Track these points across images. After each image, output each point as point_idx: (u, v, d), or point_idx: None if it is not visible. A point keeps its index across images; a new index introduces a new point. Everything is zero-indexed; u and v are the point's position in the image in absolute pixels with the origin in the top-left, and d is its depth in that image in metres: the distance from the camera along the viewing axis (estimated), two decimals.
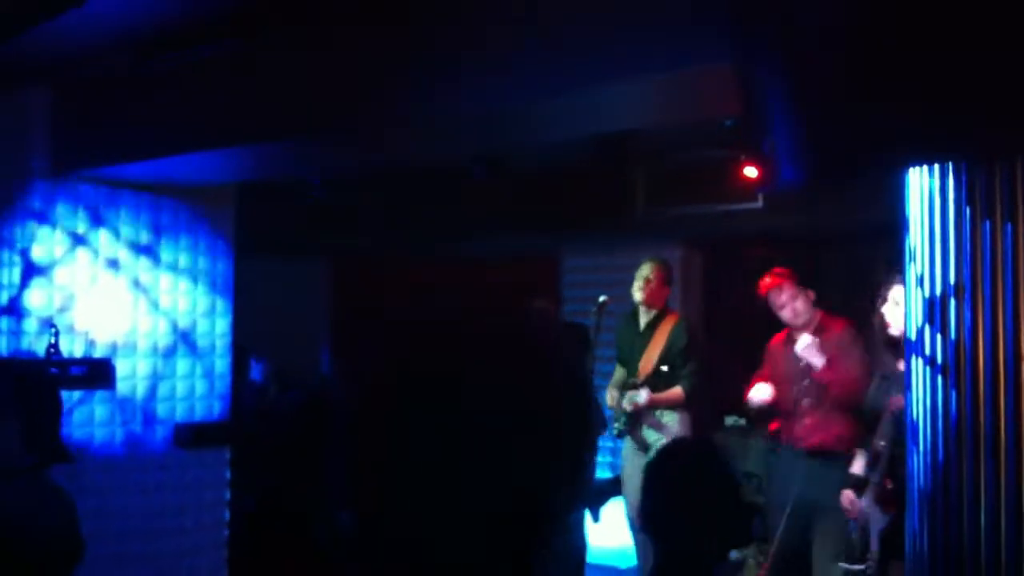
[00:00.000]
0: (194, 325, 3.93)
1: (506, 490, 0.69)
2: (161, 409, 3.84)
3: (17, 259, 3.56)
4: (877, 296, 3.10)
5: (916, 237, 2.17)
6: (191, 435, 3.87)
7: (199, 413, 3.93)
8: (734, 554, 4.34)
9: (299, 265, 6.48)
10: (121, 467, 3.71)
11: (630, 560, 4.40)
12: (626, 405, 4.08)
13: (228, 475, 4.00)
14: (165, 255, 3.87)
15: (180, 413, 3.89)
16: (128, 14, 2.83)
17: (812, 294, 3.74)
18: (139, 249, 3.81)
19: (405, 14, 2.64)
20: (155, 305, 3.84)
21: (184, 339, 3.90)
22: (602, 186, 4.82)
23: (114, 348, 3.73)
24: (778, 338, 3.85)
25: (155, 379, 3.84)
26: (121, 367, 3.73)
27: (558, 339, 0.76)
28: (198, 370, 3.94)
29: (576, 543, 3.99)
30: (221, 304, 4.00)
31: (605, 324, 4.24)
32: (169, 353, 3.87)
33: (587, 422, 0.75)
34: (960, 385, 2.05)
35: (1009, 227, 1.98)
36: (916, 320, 2.19)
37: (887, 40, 1.74)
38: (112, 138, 3.45)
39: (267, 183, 4.26)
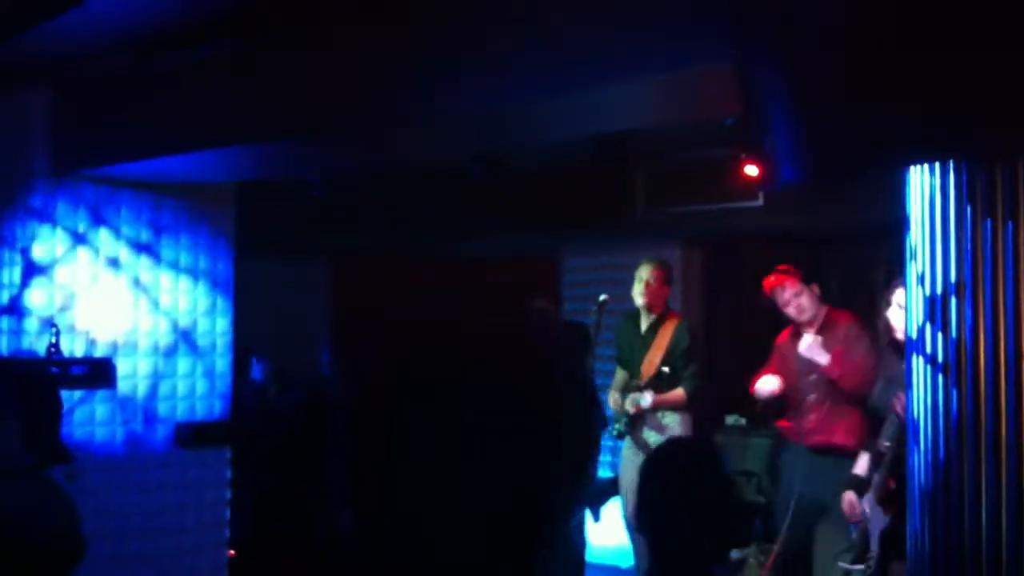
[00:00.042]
0: (195, 324, 3.94)
1: (506, 490, 0.69)
2: (162, 408, 3.85)
3: (18, 258, 3.56)
4: (881, 300, 3.10)
5: (917, 236, 2.17)
6: (192, 434, 3.87)
7: (200, 412, 3.93)
8: (735, 554, 4.34)
9: (299, 265, 6.48)
10: (122, 466, 3.71)
11: (630, 559, 4.40)
12: (629, 407, 4.08)
13: (229, 474, 4.01)
14: (166, 254, 3.87)
15: (181, 412, 3.89)
16: (128, 14, 2.83)
17: (817, 289, 3.74)
18: (140, 248, 3.81)
19: (405, 14, 2.64)
20: (156, 304, 3.84)
21: (185, 338, 3.91)
22: (602, 186, 4.82)
23: (115, 347, 3.73)
24: (785, 334, 3.85)
25: (156, 378, 3.84)
26: (122, 366, 3.73)
27: (558, 339, 0.76)
28: (199, 369, 3.94)
29: (576, 542, 3.99)
30: (222, 303, 4.00)
31: (605, 323, 4.24)
32: (170, 352, 3.87)
33: (588, 422, 0.75)
34: (961, 384, 2.05)
35: (1010, 226, 1.98)
36: (917, 319, 2.19)
37: (887, 40, 1.74)
38: (112, 138, 3.45)
39: (267, 183, 4.26)
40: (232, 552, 4.05)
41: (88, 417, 3.67)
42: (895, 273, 2.83)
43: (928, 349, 2.14)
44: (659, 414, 4.10)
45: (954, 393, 2.06)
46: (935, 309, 2.11)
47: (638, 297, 4.14)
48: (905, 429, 2.41)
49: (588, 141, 3.71)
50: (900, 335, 2.92)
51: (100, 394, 3.68)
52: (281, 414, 5.17)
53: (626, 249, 5.10)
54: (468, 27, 2.52)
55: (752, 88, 1.97)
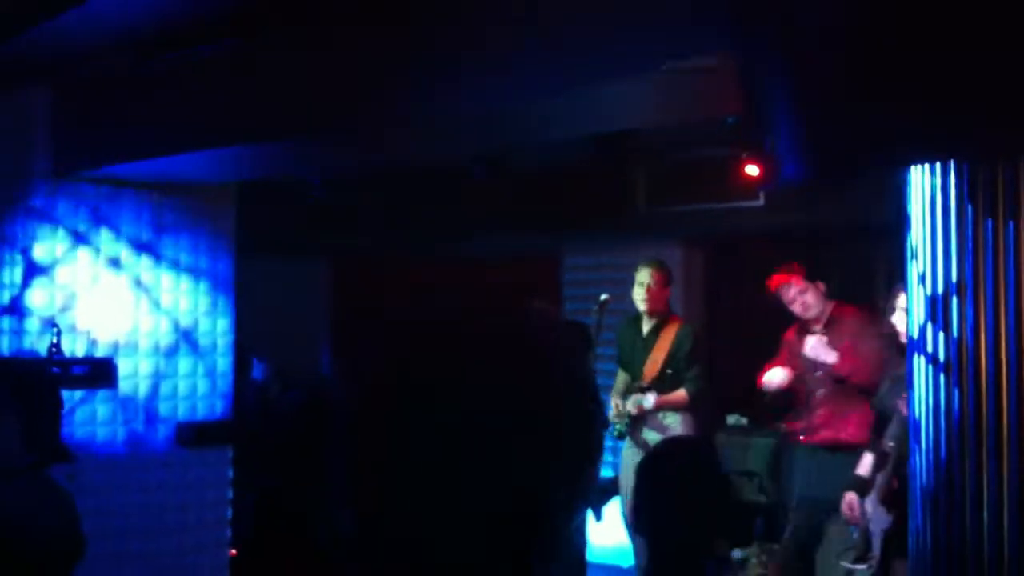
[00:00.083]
0: (196, 324, 3.94)
1: (506, 490, 0.69)
2: (163, 408, 3.85)
3: (19, 258, 3.56)
4: (885, 305, 3.11)
5: (918, 235, 2.17)
6: (193, 434, 3.87)
7: (201, 412, 3.93)
8: (737, 553, 4.33)
9: (299, 265, 6.47)
10: (123, 466, 3.71)
11: (631, 559, 4.40)
12: (631, 408, 4.07)
13: (230, 474, 4.01)
14: (167, 254, 3.87)
15: (182, 412, 3.89)
16: (128, 14, 2.83)
17: (822, 286, 3.75)
18: (140, 248, 3.81)
19: (405, 14, 2.64)
20: (157, 304, 3.84)
21: (186, 338, 3.91)
22: (603, 185, 4.82)
23: (116, 347, 3.73)
24: (792, 330, 3.86)
25: (157, 378, 3.84)
26: (123, 366, 3.73)
27: (559, 339, 0.76)
28: (200, 369, 3.94)
29: (577, 542, 3.99)
30: (222, 303, 4.00)
31: (606, 323, 4.23)
32: (171, 352, 3.87)
33: (588, 422, 0.74)
34: (962, 383, 2.05)
35: (1011, 225, 1.98)
36: (918, 318, 2.19)
37: (887, 40, 1.74)
38: (112, 138, 3.45)
39: (267, 183, 4.26)
40: (234, 552, 4.05)
41: (89, 417, 3.67)
42: (896, 274, 2.83)
43: (929, 349, 2.13)
44: (661, 415, 4.10)
45: (955, 392, 2.06)
46: (936, 309, 2.11)
47: (639, 302, 4.12)
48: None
49: (588, 141, 3.71)
50: (905, 339, 2.92)
51: (101, 394, 3.69)
52: (282, 414, 5.17)
53: (627, 249, 5.10)
54: (468, 27, 2.52)
55: (752, 87, 1.96)
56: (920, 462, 2.18)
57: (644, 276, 4.11)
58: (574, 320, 4.48)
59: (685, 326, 4.19)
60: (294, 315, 6.23)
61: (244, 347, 4.45)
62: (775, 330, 3.96)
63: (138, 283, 3.80)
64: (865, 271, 4.80)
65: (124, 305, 3.76)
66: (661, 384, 4.08)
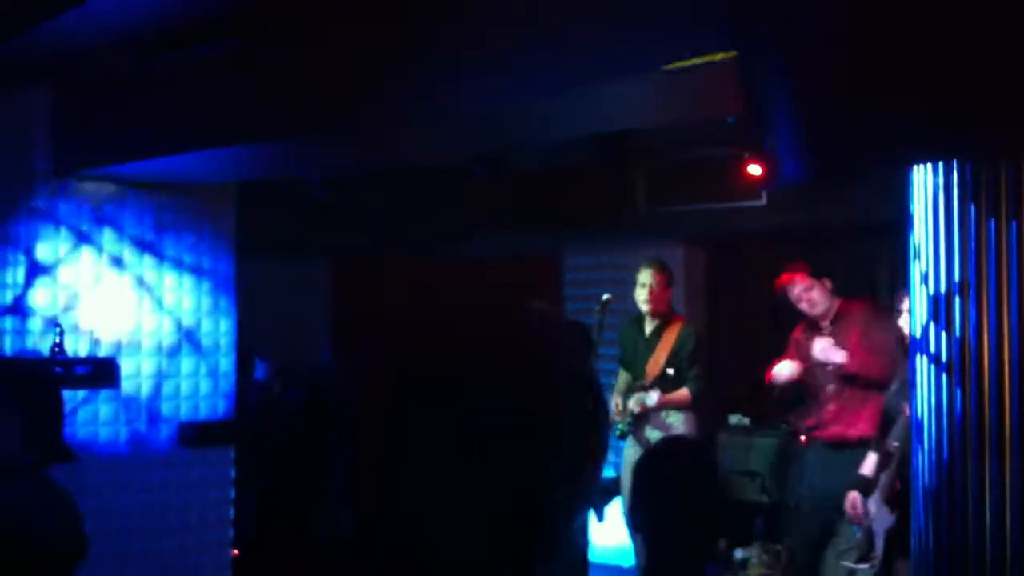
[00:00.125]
0: (198, 324, 3.94)
1: (506, 490, 0.69)
2: (165, 408, 3.85)
3: (21, 258, 3.57)
4: (893, 309, 3.11)
5: (920, 235, 2.17)
6: (195, 434, 3.88)
7: (203, 412, 3.94)
8: (738, 553, 4.33)
9: (299, 265, 6.48)
10: (126, 466, 3.71)
11: (633, 559, 4.40)
12: (634, 406, 4.08)
13: (232, 473, 4.01)
14: (169, 253, 3.87)
15: (184, 412, 3.90)
16: (128, 14, 2.83)
17: (828, 283, 3.76)
18: (143, 247, 3.81)
19: (405, 14, 2.64)
20: (159, 304, 3.85)
21: (188, 338, 3.91)
22: (603, 185, 4.82)
23: (118, 347, 3.73)
24: (799, 328, 3.87)
25: (159, 378, 3.84)
26: (125, 366, 3.73)
27: (559, 339, 0.76)
28: (202, 369, 3.95)
29: (579, 542, 3.99)
30: (224, 303, 4.01)
31: (608, 323, 4.23)
32: (173, 352, 3.87)
33: (589, 422, 0.74)
34: (965, 383, 2.05)
35: (1014, 224, 1.98)
36: (921, 318, 2.19)
37: (887, 40, 1.74)
38: (112, 138, 3.46)
39: (267, 183, 4.26)
40: (236, 551, 4.06)
41: (92, 417, 3.67)
42: (898, 274, 2.83)
43: (932, 348, 2.13)
44: (663, 414, 4.10)
45: (958, 392, 2.06)
46: (939, 308, 2.10)
47: (642, 303, 4.12)
48: None
49: (588, 141, 3.71)
50: None
51: (104, 394, 3.69)
52: (284, 413, 5.18)
53: (627, 248, 5.10)
54: (468, 27, 2.52)
55: (753, 87, 1.96)
56: (922, 462, 2.18)
57: (646, 277, 4.11)
58: (575, 320, 4.48)
59: (688, 326, 4.19)
60: (294, 315, 6.24)
61: (247, 347, 4.46)
62: (777, 330, 3.97)
63: (141, 283, 3.80)
64: (866, 271, 4.80)
65: (127, 305, 3.76)
66: (663, 384, 4.08)
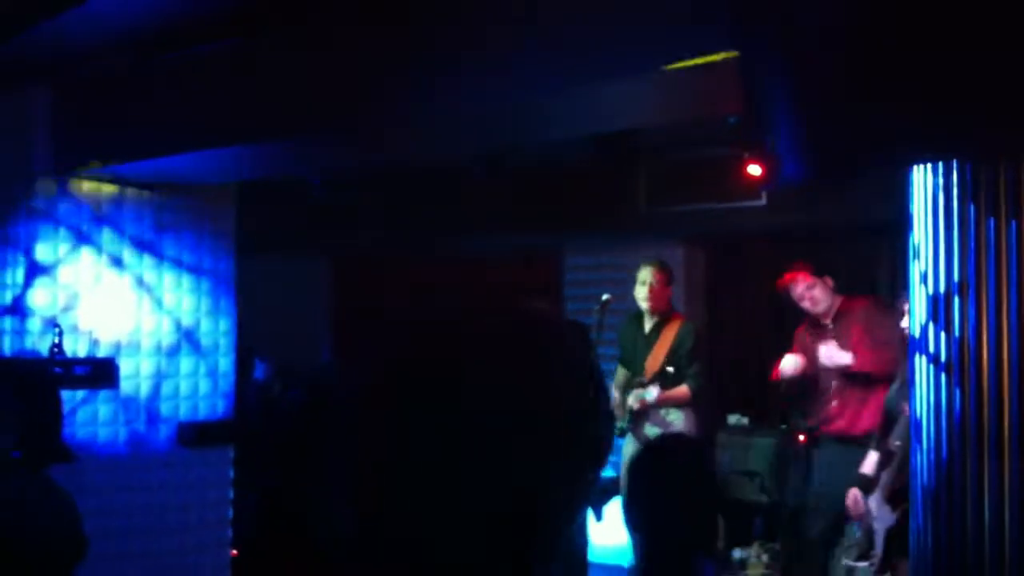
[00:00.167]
0: (197, 324, 3.94)
1: (506, 490, 0.69)
2: (165, 408, 3.85)
3: (21, 258, 3.57)
4: (895, 310, 3.12)
5: (920, 234, 2.17)
6: (195, 434, 3.88)
7: (203, 412, 3.94)
8: (738, 553, 4.33)
9: (299, 265, 6.47)
10: (125, 466, 3.71)
11: (632, 558, 4.40)
12: (632, 402, 4.08)
13: (232, 474, 4.01)
14: (168, 253, 3.87)
15: (184, 412, 3.90)
16: (128, 13, 2.83)
17: (830, 281, 3.78)
18: (142, 247, 3.81)
19: (405, 14, 2.64)
20: (159, 304, 3.85)
21: (188, 338, 3.91)
22: (603, 185, 4.82)
23: (118, 347, 3.73)
24: (803, 326, 3.89)
25: (159, 378, 3.84)
26: (125, 366, 3.73)
27: (559, 339, 0.76)
28: (202, 369, 3.94)
29: (579, 542, 3.99)
30: (224, 303, 4.01)
31: (608, 323, 4.24)
32: (173, 352, 3.87)
33: (590, 422, 0.74)
34: (964, 383, 2.05)
35: (1014, 224, 1.98)
36: (920, 318, 2.19)
37: (887, 40, 1.74)
38: (112, 138, 3.45)
39: (267, 183, 4.26)
40: (235, 552, 4.06)
41: (91, 417, 3.67)
42: (898, 274, 2.84)
43: (931, 348, 2.13)
44: (663, 411, 4.10)
45: (957, 392, 2.06)
46: (938, 308, 2.10)
47: (642, 301, 4.13)
48: None
49: (588, 140, 3.71)
50: None
51: (103, 394, 3.69)
52: (284, 413, 5.18)
53: (628, 248, 5.10)
54: (468, 27, 2.52)
55: (753, 87, 1.96)
56: (921, 461, 2.18)
57: (646, 275, 4.13)
58: (575, 320, 4.48)
59: (687, 324, 4.19)
60: (294, 314, 6.24)
61: (247, 347, 4.46)
62: (777, 330, 3.97)
63: (140, 283, 3.80)
64: (866, 271, 4.80)
65: (126, 305, 3.76)
66: (662, 381, 4.09)
